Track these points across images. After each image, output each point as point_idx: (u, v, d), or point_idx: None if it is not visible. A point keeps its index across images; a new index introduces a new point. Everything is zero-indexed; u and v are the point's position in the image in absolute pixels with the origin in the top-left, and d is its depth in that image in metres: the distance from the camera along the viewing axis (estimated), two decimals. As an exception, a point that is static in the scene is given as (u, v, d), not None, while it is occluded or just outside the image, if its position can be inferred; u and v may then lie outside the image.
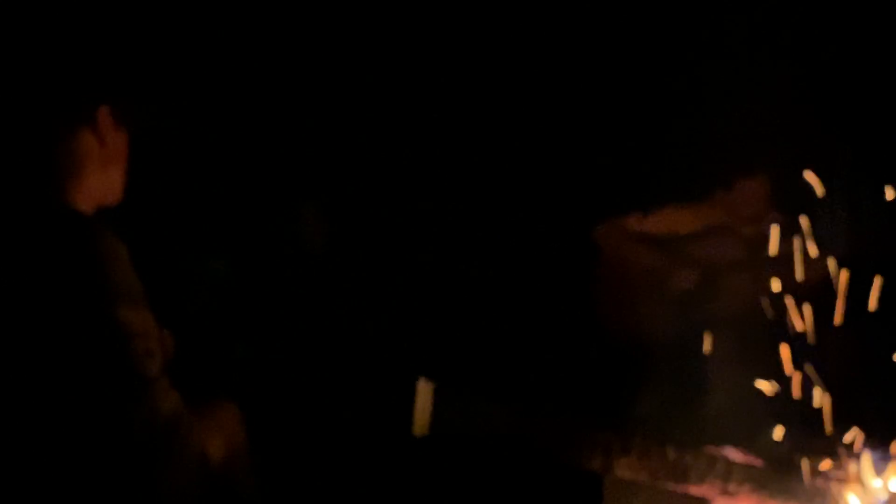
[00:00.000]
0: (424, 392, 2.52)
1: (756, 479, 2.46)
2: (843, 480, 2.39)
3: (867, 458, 2.41)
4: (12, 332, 1.75)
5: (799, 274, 4.01)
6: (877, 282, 3.44)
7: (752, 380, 3.42)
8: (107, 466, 1.75)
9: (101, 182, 1.93)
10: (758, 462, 2.51)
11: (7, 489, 1.76)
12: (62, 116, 1.89)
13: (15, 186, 1.86)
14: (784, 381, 3.00)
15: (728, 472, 2.46)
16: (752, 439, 2.62)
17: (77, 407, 1.74)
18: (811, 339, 3.84)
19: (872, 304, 3.14)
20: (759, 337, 3.87)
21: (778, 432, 2.61)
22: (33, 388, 1.75)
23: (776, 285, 4.00)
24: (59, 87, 1.90)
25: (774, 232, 3.94)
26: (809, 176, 3.41)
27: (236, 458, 2.04)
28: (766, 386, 2.90)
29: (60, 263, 1.76)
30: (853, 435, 2.45)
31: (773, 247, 4.02)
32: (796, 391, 2.70)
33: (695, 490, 2.48)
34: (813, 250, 4.03)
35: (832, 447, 2.44)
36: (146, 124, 2.00)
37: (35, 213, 1.83)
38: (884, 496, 2.39)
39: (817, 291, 3.97)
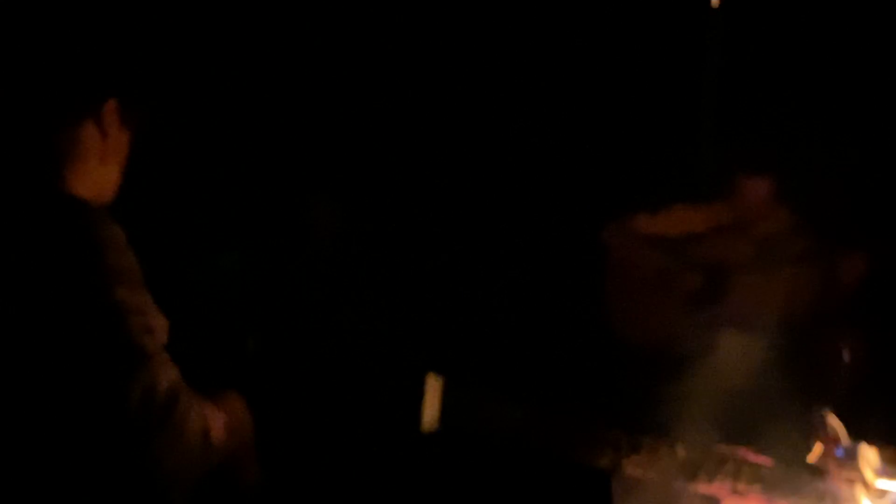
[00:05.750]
0: (434, 388, 2.52)
1: (766, 479, 2.45)
2: (854, 481, 2.38)
3: (878, 459, 2.40)
4: (11, 311, 1.78)
5: (808, 274, 4.01)
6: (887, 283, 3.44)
7: (762, 379, 3.41)
8: (106, 440, 1.76)
9: (98, 175, 1.95)
10: (768, 462, 2.50)
11: (5, 464, 1.77)
12: (70, 105, 1.91)
13: (17, 171, 1.89)
14: (795, 381, 2.99)
15: (738, 472, 2.45)
16: (763, 439, 2.61)
17: (76, 382, 1.77)
18: (822, 338, 3.84)
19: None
20: (769, 336, 3.88)
21: (788, 432, 2.60)
22: (32, 364, 1.77)
23: (785, 286, 4.00)
24: (70, 77, 1.92)
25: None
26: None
27: (243, 450, 2.05)
28: (775, 385, 2.90)
29: (59, 245, 1.80)
30: (865, 435, 2.44)
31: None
32: (807, 390, 2.69)
33: (704, 489, 2.48)
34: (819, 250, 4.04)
35: (843, 446, 2.43)
36: (151, 124, 2.01)
37: (35, 197, 1.86)
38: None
39: (827, 290, 3.98)
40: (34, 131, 1.90)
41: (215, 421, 1.90)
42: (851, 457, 2.39)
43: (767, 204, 4.14)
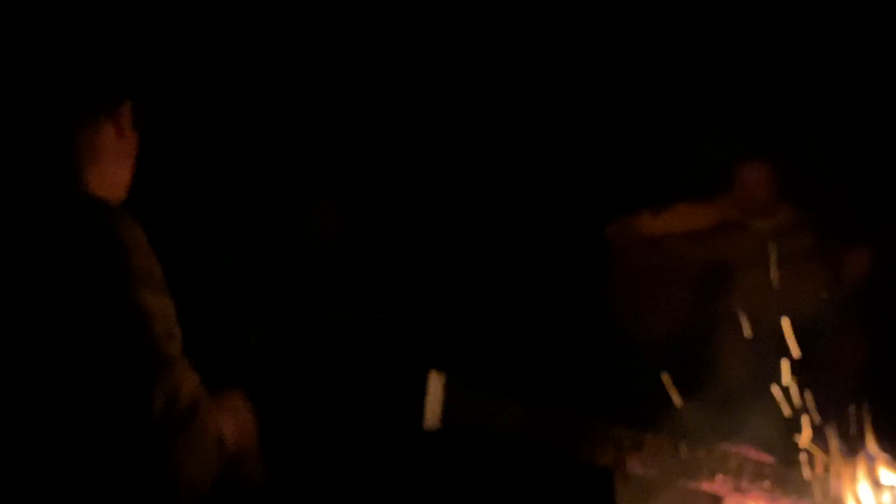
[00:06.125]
0: (436, 385, 2.52)
1: (768, 477, 2.45)
2: (856, 478, 2.38)
3: (880, 456, 2.40)
4: (36, 314, 1.77)
5: (813, 270, 4.01)
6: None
7: (765, 376, 3.41)
8: (128, 445, 1.76)
9: (113, 174, 1.96)
10: (770, 459, 2.50)
11: (24, 466, 1.77)
12: (89, 105, 1.92)
13: (39, 173, 1.89)
14: (797, 378, 2.99)
15: (740, 469, 2.45)
16: (765, 436, 2.61)
17: (99, 386, 1.76)
18: (826, 335, 3.84)
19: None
20: (771, 333, 3.87)
21: (791, 429, 2.60)
22: (56, 367, 1.76)
23: (789, 281, 4.00)
24: (90, 79, 1.93)
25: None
26: None
27: (248, 449, 2.05)
28: (779, 383, 2.89)
29: (83, 248, 1.79)
30: (866, 432, 2.44)
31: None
32: (810, 388, 2.69)
33: (706, 486, 2.48)
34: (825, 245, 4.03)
35: (846, 444, 2.43)
36: (159, 126, 2.03)
37: (57, 199, 1.86)
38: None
39: (830, 288, 3.97)
40: (55, 133, 1.91)
41: (227, 424, 1.90)
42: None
43: (767, 187, 4.13)
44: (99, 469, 1.77)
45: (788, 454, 2.51)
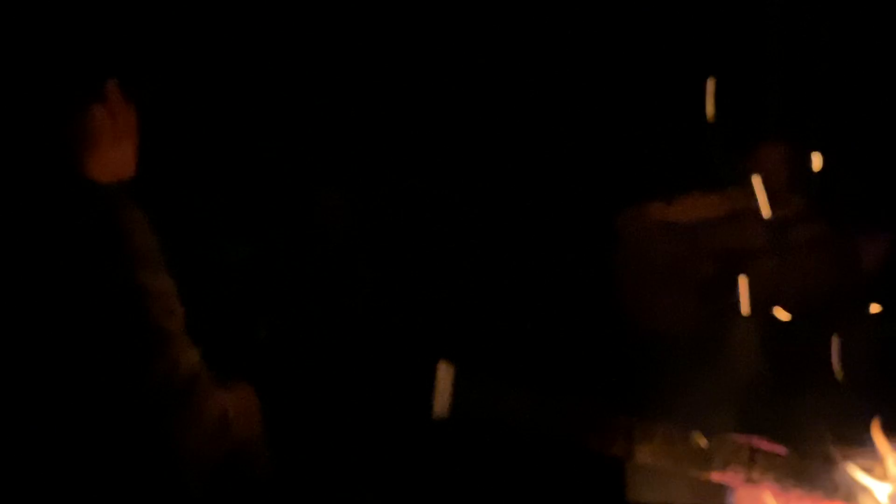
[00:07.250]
0: (445, 375, 2.52)
1: (780, 468, 2.44)
2: (868, 470, 2.37)
3: (891, 448, 2.39)
4: (38, 295, 1.80)
5: (825, 262, 3.99)
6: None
7: (776, 368, 3.40)
8: (126, 419, 1.79)
9: (115, 155, 1.97)
10: (781, 450, 2.49)
11: (27, 439, 1.80)
12: (75, 91, 1.93)
13: (37, 162, 1.91)
14: (809, 370, 2.98)
15: (752, 460, 2.44)
16: (776, 427, 2.60)
17: (98, 363, 1.79)
18: (835, 327, 3.82)
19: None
20: (782, 326, 3.86)
21: (803, 420, 2.59)
22: (56, 345, 1.80)
23: (801, 273, 3.98)
24: (69, 63, 1.93)
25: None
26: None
27: (252, 440, 2.05)
28: (791, 373, 2.89)
29: (83, 231, 1.82)
30: (878, 424, 2.43)
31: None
32: (821, 380, 2.68)
33: (718, 477, 2.47)
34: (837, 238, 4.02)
35: (858, 436, 2.42)
36: (155, 98, 2.03)
37: (57, 186, 1.88)
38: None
39: (845, 277, 3.96)
40: (46, 121, 1.92)
41: (233, 410, 1.91)
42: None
43: (782, 172, 4.11)
44: (101, 444, 1.79)
45: (800, 445, 2.50)
